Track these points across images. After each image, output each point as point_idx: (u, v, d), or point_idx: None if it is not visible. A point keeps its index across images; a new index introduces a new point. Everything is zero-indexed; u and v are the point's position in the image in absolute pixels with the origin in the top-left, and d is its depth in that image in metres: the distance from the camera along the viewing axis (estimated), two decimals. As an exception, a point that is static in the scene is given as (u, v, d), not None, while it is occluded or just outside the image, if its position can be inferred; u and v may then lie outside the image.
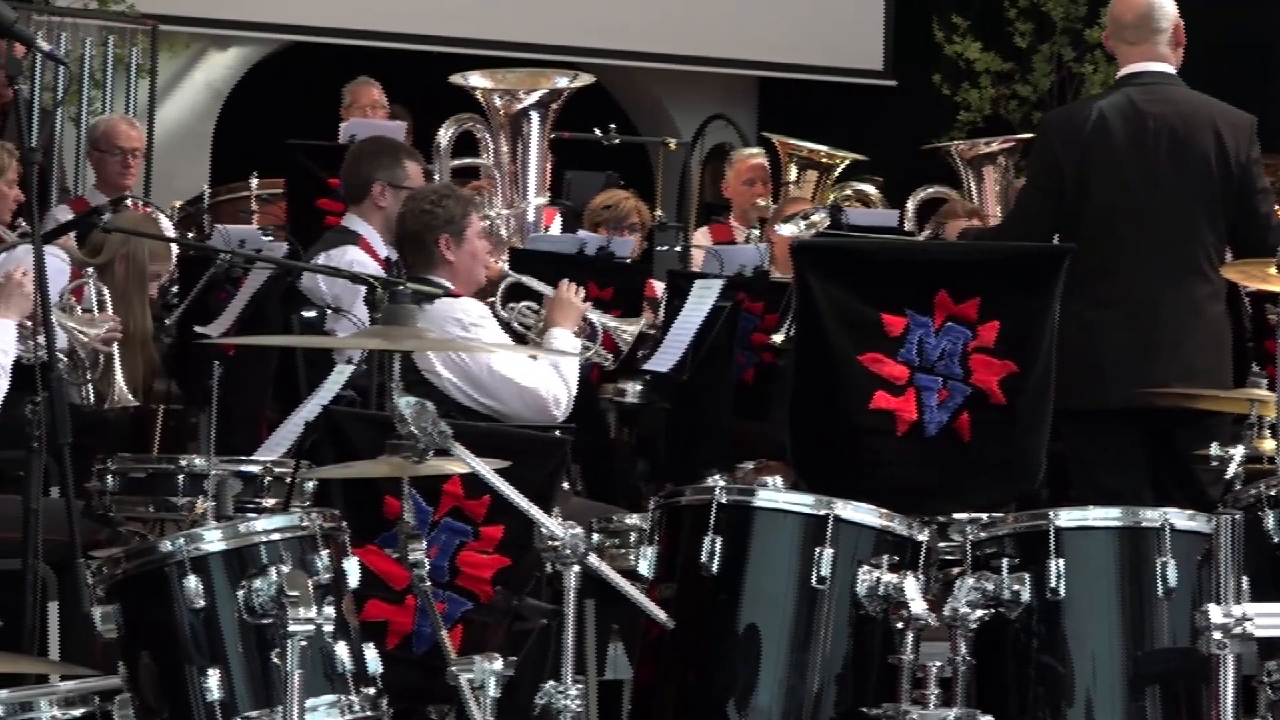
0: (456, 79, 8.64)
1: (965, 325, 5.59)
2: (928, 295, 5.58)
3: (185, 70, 12.38)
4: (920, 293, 5.59)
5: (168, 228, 8.45)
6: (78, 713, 4.11)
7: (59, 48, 9.83)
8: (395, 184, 7.13)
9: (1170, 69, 6.45)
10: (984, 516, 5.08)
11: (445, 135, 8.43)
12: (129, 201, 8.11)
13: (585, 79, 8.71)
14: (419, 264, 6.43)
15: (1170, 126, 6.33)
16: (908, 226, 8.91)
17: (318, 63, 11.84)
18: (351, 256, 6.95)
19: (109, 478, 5.86)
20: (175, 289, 7.87)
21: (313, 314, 6.81)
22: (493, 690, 4.04)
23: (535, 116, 8.51)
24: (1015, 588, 4.59)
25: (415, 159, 7.36)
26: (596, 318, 6.90)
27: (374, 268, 6.90)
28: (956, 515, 5.56)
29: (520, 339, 6.76)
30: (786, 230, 7.84)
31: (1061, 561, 4.61)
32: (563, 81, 8.68)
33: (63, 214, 8.19)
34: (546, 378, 6.29)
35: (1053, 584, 4.60)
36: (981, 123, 12.38)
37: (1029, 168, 6.78)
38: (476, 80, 8.60)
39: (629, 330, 6.98)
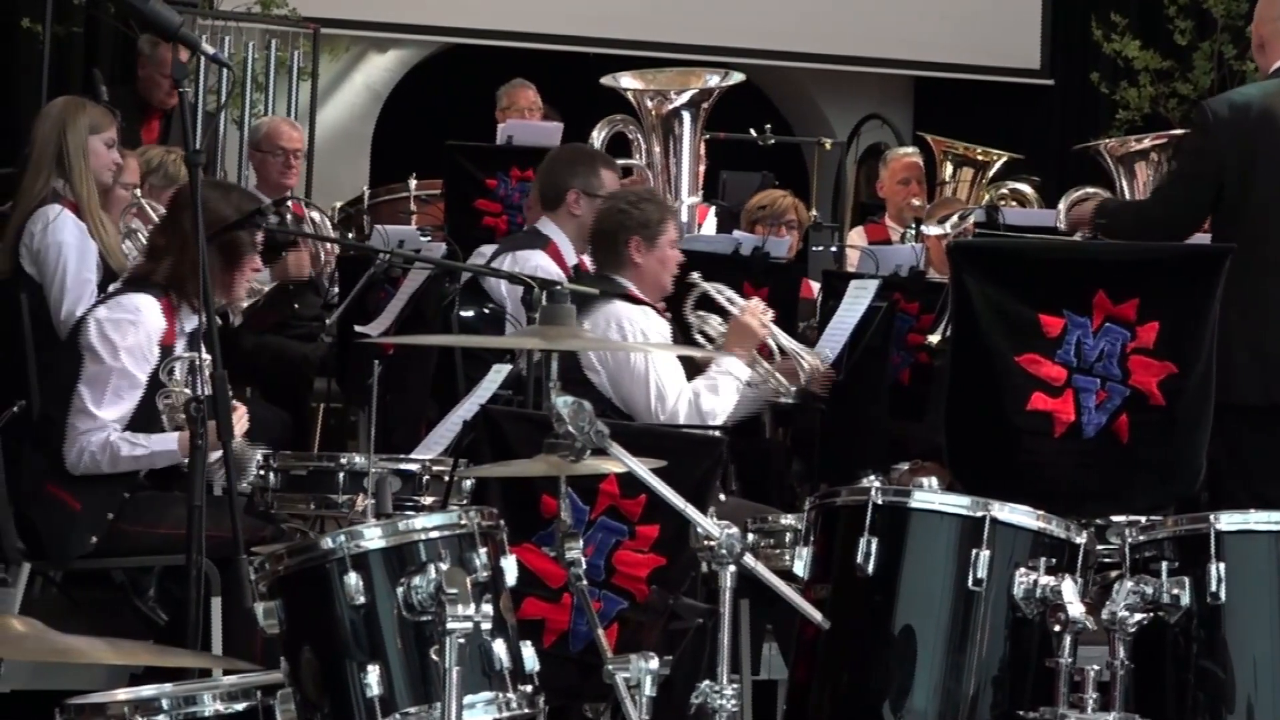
0: (607, 80, 8.68)
1: (1124, 326, 5.55)
2: (1086, 296, 5.55)
3: (345, 73, 12.50)
4: (1078, 293, 5.56)
5: (326, 228, 8.56)
6: (240, 707, 4.15)
7: (223, 51, 9.96)
8: (590, 192, 7.18)
9: None
10: (1143, 519, 5.03)
11: (598, 136, 8.48)
12: (290, 203, 8.20)
13: (736, 77, 8.72)
14: (607, 263, 6.45)
15: None
16: (1060, 228, 8.84)
17: (475, 64, 11.92)
18: (536, 262, 7.00)
19: (271, 475, 5.92)
20: (335, 289, 7.97)
21: (471, 314, 6.87)
22: (648, 689, 4.04)
23: (687, 116, 8.53)
24: (1175, 592, 4.54)
25: (611, 167, 7.41)
26: (783, 341, 6.65)
27: (556, 274, 6.93)
28: (1115, 518, 5.52)
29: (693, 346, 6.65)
30: (934, 231, 7.80)
31: (1222, 565, 4.55)
32: (713, 80, 8.69)
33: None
34: (684, 411, 6.23)
35: (1213, 588, 4.54)
36: (1140, 121, 12.24)
37: (1182, 155, 6.66)
38: (627, 81, 8.64)
39: (808, 361, 6.66)
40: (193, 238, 5.62)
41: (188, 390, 5.79)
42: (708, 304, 6.71)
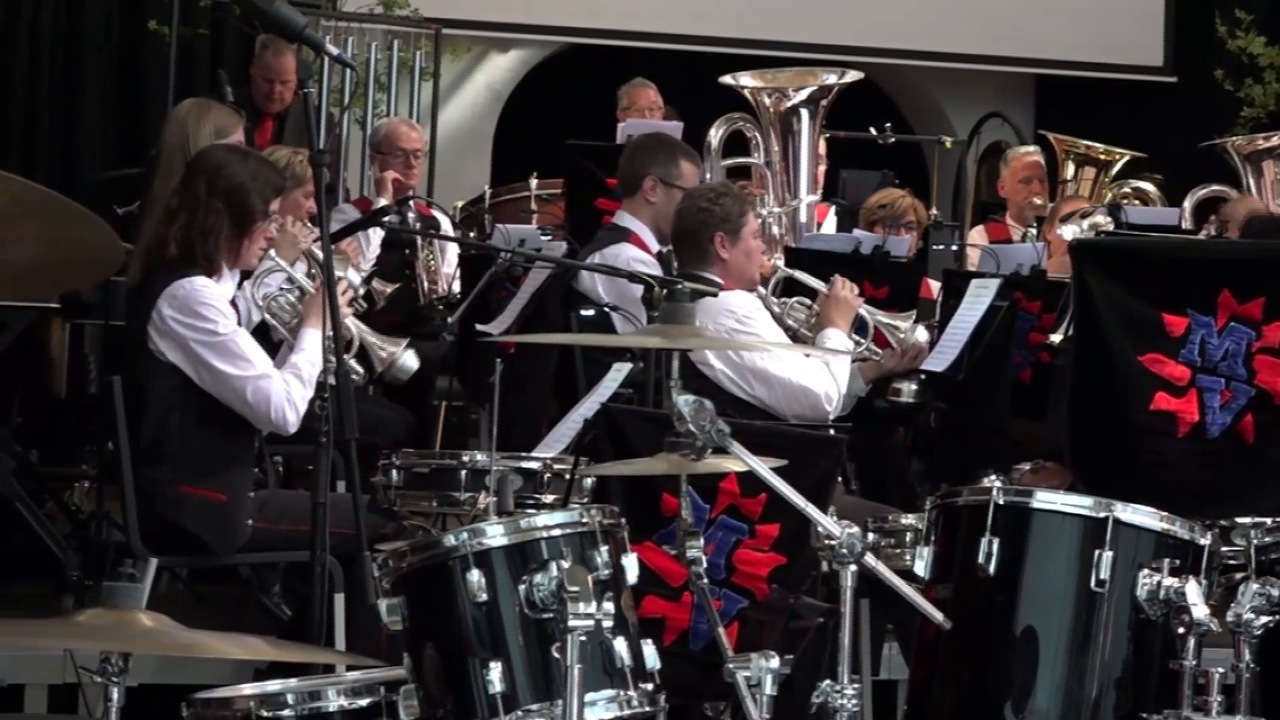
0: (726, 79, 8.69)
1: (1249, 325, 5.50)
2: (1210, 295, 5.50)
3: (467, 73, 12.56)
4: (1202, 292, 5.51)
5: (448, 227, 8.61)
6: (364, 702, 4.19)
7: (346, 52, 10.04)
8: (667, 181, 7.19)
9: None
10: (1269, 520, 4.98)
11: (716, 135, 8.48)
12: (413, 202, 8.25)
13: (853, 75, 8.71)
14: (693, 261, 6.49)
15: None
16: (1185, 226, 8.76)
17: (595, 64, 11.96)
18: (629, 254, 7.01)
19: (393, 473, 5.96)
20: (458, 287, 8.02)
21: (591, 312, 6.89)
22: (769, 688, 4.05)
23: (805, 114, 8.52)
24: (1302, 594, 4.50)
25: (692, 159, 7.40)
26: (868, 314, 6.89)
27: (649, 263, 6.96)
28: (1240, 519, 5.46)
29: (793, 335, 6.77)
30: (1068, 233, 7.75)
31: (1350, 567, 4.51)
32: (831, 78, 8.68)
33: (350, 213, 8.37)
34: (819, 375, 6.33)
35: (1341, 590, 4.49)
36: (1265, 119, 12.11)
37: None
38: (746, 80, 8.65)
39: (901, 326, 6.95)
40: (205, 203, 5.74)
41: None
42: (791, 290, 6.92)
